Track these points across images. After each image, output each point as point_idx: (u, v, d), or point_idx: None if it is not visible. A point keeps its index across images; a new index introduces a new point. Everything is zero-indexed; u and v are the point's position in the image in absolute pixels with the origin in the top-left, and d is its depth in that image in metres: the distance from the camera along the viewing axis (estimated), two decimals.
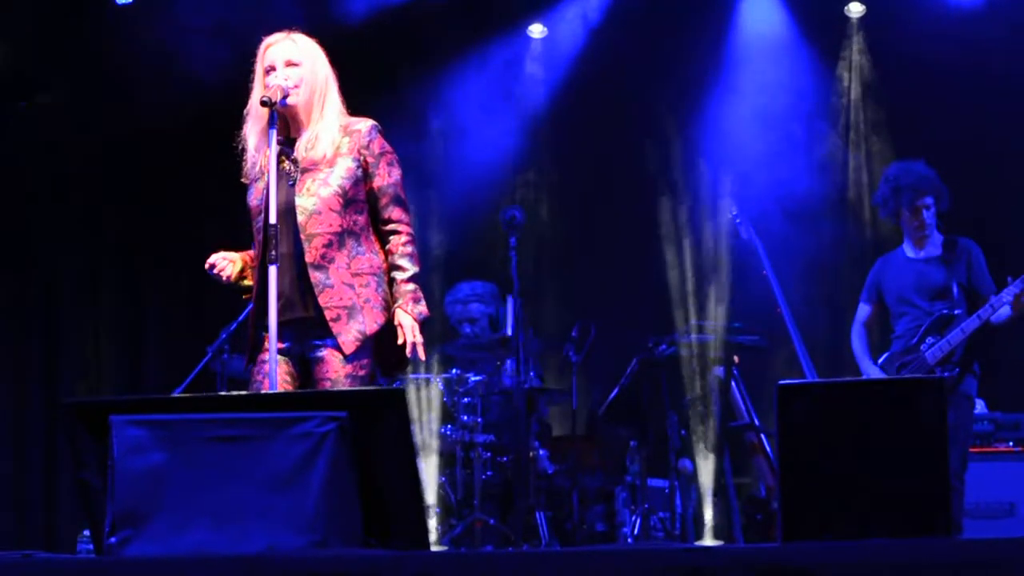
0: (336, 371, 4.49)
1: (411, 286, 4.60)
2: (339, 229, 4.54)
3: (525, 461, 7.26)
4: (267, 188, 4.47)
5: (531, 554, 3.99)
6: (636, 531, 7.38)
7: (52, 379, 8.62)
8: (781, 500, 3.91)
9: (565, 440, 7.92)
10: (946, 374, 6.21)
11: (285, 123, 4.65)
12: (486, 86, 9.01)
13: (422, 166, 8.53)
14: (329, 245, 4.53)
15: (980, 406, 7.14)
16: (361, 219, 4.61)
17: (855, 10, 8.92)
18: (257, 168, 4.64)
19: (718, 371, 7.43)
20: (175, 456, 3.72)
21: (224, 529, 3.66)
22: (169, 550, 3.62)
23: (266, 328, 4.42)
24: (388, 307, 4.59)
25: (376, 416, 3.77)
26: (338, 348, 4.49)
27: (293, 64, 4.62)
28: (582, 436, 7.99)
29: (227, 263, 4.66)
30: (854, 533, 3.71)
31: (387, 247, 4.64)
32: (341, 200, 4.55)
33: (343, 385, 4.46)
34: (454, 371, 7.57)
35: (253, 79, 4.67)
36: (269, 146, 4.50)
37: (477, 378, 7.52)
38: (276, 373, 4.38)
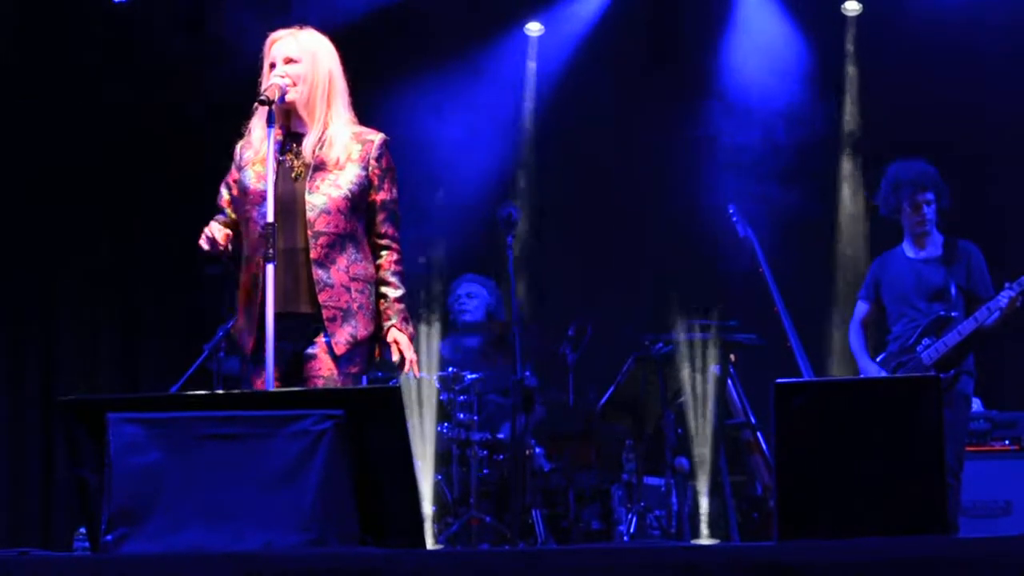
0: (330, 369, 4.52)
1: (402, 305, 4.68)
2: (342, 232, 4.57)
3: (521, 459, 7.26)
4: (267, 185, 4.47)
5: (527, 552, 3.99)
6: (632, 529, 7.38)
7: (49, 376, 8.61)
8: (777, 498, 3.92)
9: (561, 438, 7.93)
10: (942, 375, 6.22)
11: (288, 117, 4.65)
12: (484, 84, 9.00)
13: (419, 165, 8.53)
14: (331, 245, 4.55)
15: (976, 404, 7.15)
16: (360, 227, 4.65)
17: (851, 8, 8.93)
18: (257, 157, 4.62)
19: (715, 369, 7.43)
20: (171, 454, 3.72)
21: (220, 527, 3.66)
22: (165, 548, 3.62)
23: (262, 325, 4.43)
24: (376, 317, 4.64)
25: (372, 414, 3.78)
26: (330, 347, 4.51)
27: (293, 61, 4.63)
28: (578, 434, 8.00)
29: (220, 233, 4.61)
30: (850, 531, 3.72)
31: (378, 261, 4.69)
32: (349, 204, 4.57)
33: (335, 383, 4.48)
34: (450, 369, 7.57)
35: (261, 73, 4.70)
36: (268, 144, 4.49)
37: (473, 376, 7.52)
38: (273, 370, 4.38)
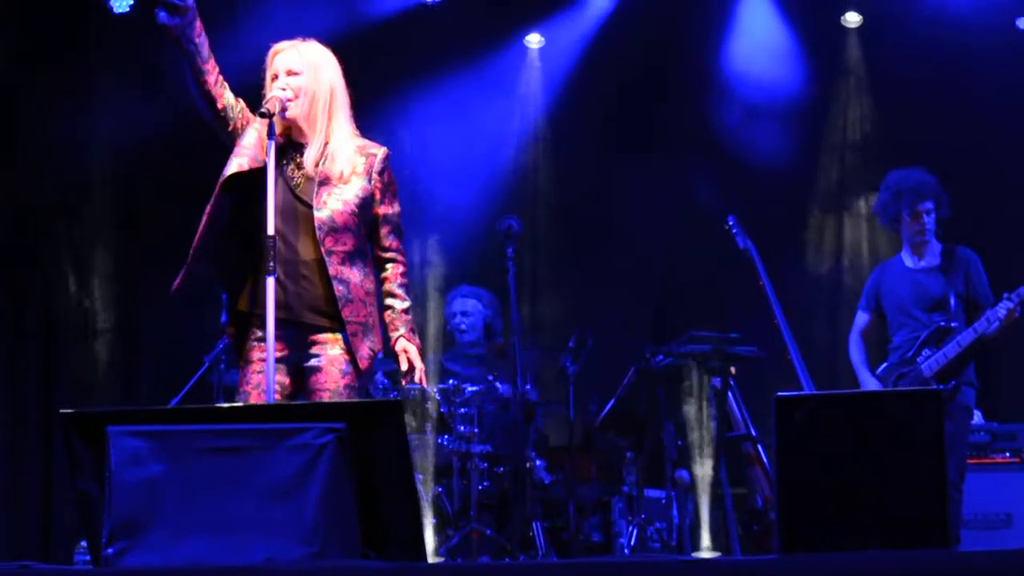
0: (336, 381, 4.52)
1: (409, 316, 4.72)
2: (351, 248, 4.59)
3: (522, 471, 7.26)
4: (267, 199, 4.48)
5: (528, 565, 3.99)
6: (633, 542, 7.37)
7: (49, 389, 8.60)
8: (778, 511, 3.91)
9: (562, 450, 7.91)
10: (943, 386, 6.21)
11: (289, 129, 4.65)
12: (484, 96, 9.01)
13: (419, 177, 8.54)
14: (343, 262, 4.56)
15: (977, 416, 7.14)
16: (366, 240, 4.67)
17: (852, 20, 8.94)
18: (251, 152, 4.58)
19: (715, 382, 7.42)
20: (172, 467, 3.71)
21: (221, 540, 3.65)
22: (166, 561, 3.61)
23: (261, 337, 4.44)
24: (384, 330, 4.68)
25: (373, 427, 3.78)
26: (336, 359, 4.52)
27: (294, 73, 4.63)
28: (579, 446, 7.98)
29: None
30: (851, 545, 3.72)
31: (384, 274, 4.71)
32: (356, 219, 4.59)
33: (341, 396, 4.48)
34: (451, 381, 7.56)
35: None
36: (267, 157, 4.49)
37: (474, 388, 7.51)
38: (273, 382, 4.38)
